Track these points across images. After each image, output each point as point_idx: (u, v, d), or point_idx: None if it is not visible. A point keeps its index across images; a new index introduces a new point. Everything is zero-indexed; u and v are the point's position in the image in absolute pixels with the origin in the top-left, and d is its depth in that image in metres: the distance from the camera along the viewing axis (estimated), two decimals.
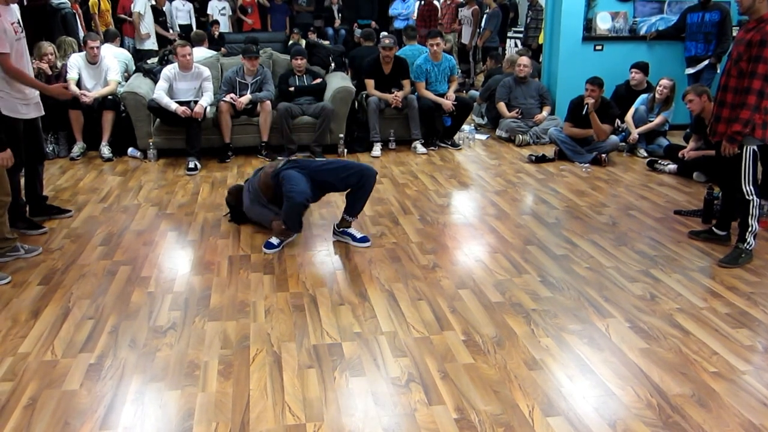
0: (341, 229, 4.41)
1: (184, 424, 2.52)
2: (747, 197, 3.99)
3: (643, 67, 7.03)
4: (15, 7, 4.27)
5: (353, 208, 4.35)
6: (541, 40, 8.84)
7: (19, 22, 4.22)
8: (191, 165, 6.19)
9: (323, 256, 4.18)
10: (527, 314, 3.41)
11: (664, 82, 6.56)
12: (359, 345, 3.09)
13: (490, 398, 2.68)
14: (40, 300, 3.56)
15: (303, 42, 10.20)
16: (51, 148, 6.53)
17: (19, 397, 2.69)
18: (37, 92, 4.38)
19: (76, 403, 2.65)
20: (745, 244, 4.04)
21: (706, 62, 7.22)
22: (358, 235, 4.37)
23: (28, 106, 4.31)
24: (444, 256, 4.18)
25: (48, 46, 6.62)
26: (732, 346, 3.09)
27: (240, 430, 2.49)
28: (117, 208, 5.09)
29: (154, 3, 10.28)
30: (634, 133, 6.68)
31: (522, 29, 11.01)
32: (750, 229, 4.03)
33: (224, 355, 3.01)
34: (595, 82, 6.32)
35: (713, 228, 4.42)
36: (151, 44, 9.87)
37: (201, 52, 7.61)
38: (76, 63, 6.60)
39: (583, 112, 6.36)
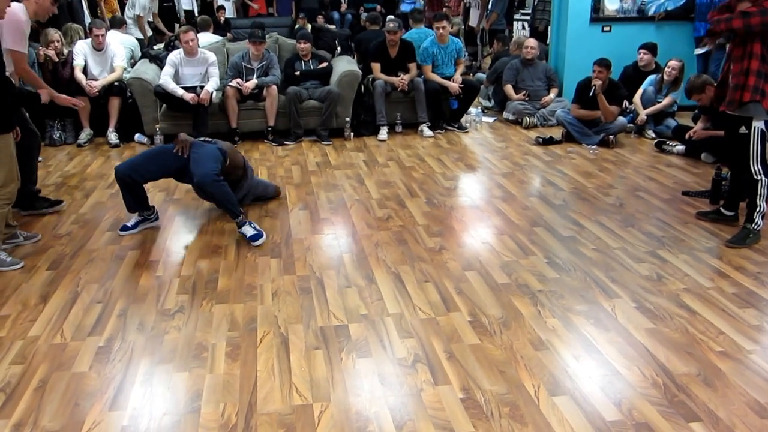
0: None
1: (193, 405, 2.54)
2: (755, 177, 3.97)
3: (651, 48, 6.97)
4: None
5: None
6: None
7: None
8: None
9: (330, 239, 4.19)
10: (533, 295, 3.41)
11: (673, 63, 6.51)
12: (366, 326, 3.11)
13: (496, 378, 2.69)
14: (49, 285, 3.59)
15: (309, 27, 10.17)
16: (58, 135, 6.56)
17: (29, 380, 2.72)
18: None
19: (86, 385, 2.68)
20: (753, 224, 4.02)
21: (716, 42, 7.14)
22: (249, 233, 4.14)
23: None
24: (450, 239, 4.18)
25: (54, 33, 6.63)
26: (739, 326, 3.08)
27: (248, 410, 2.51)
28: None
29: None
30: (642, 114, 6.63)
31: (529, 11, 10.92)
32: (758, 209, 4.01)
33: (232, 337, 3.03)
34: (603, 64, 6.28)
35: (721, 208, 4.40)
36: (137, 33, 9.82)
37: (207, 38, 7.60)
38: (82, 50, 6.62)
39: (591, 94, 6.32)
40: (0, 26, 3.90)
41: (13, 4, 3.99)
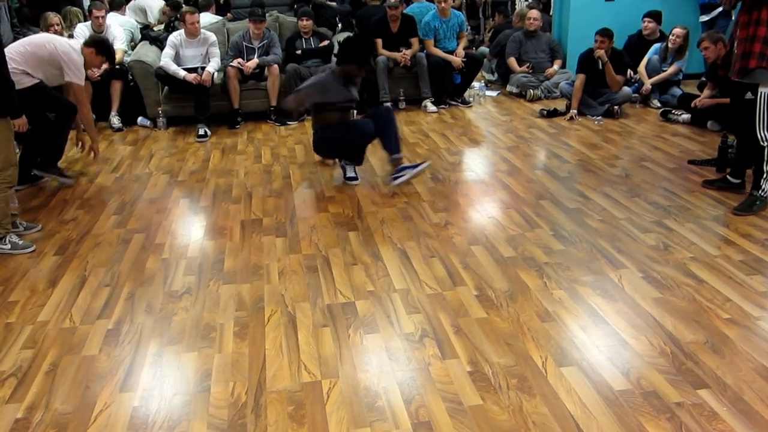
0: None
1: (202, 384, 2.56)
2: (761, 143, 3.93)
3: (656, 16, 6.88)
4: None
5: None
6: None
7: None
8: (201, 132, 6.19)
9: (335, 217, 4.19)
10: (540, 268, 3.41)
11: (678, 30, 6.43)
12: (373, 303, 3.12)
13: (503, 351, 2.70)
14: (57, 269, 3.61)
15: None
16: None
17: (40, 364, 2.75)
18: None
19: (96, 368, 2.70)
20: (760, 191, 4.00)
21: (720, 9, 7.04)
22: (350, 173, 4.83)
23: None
24: (456, 214, 4.17)
25: (54, 17, 6.59)
26: (746, 293, 3.07)
27: (257, 388, 2.53)
28: (129, 177, 5.12)
29: None
30: (647, 83, 6.58)
31: None
32: (764, 176, 3.98)
33: (239, 316, 3.05)
34: (605, 34, 6.20)
35: (727, 176, 4.37)
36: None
37: (207, 18, 7.55)
38: (82, 33, 6.57)
39: (600, 67, 6.23)
40: (54, 57, 4.50)
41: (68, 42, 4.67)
